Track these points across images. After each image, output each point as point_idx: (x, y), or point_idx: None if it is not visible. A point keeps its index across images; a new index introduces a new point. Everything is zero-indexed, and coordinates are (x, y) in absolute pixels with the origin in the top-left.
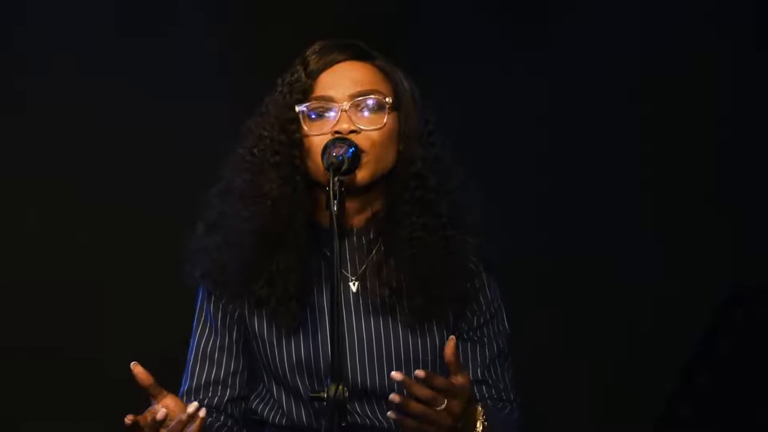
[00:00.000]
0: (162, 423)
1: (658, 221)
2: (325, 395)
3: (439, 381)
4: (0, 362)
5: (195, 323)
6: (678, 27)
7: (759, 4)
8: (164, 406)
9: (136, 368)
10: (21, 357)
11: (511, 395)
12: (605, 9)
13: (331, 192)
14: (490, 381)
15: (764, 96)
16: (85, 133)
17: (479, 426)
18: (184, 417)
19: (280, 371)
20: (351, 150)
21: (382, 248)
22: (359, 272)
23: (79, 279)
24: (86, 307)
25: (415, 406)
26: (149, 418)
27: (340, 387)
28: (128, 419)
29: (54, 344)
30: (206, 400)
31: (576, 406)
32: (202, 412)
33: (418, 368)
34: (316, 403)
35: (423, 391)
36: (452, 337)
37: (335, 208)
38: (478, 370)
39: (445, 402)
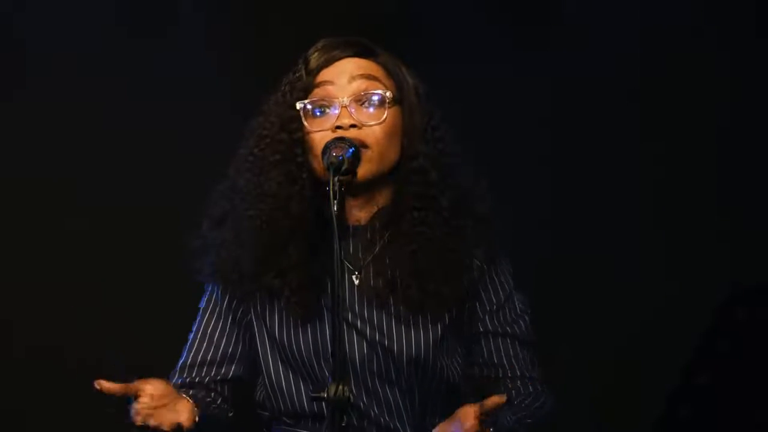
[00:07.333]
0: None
1: (658, 221)
2: (326, 395)
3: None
4: (0, 362)
5: (202, 303)
6: (678, 27)
7: (759, 4)
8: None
9: (101, 385)
10: (21, 357)
11: (538, 385)
12: (605, 9)
13: (331, 192)
14: (514, 373)
15: (764, 96)
16: (85, 134)
17: None
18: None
19: (293, 359)
20: (351, 150)
21: (386, 240)
22: (362, 265)
23: (79, 279)
24: (86, 307)
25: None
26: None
27: (341, 387)
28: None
29: (53, 344)
30: (198, 378)
31: (576, 406)
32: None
33: (411, 361)
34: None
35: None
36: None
37: (335, 208)
38: (496, 364)
39: None
